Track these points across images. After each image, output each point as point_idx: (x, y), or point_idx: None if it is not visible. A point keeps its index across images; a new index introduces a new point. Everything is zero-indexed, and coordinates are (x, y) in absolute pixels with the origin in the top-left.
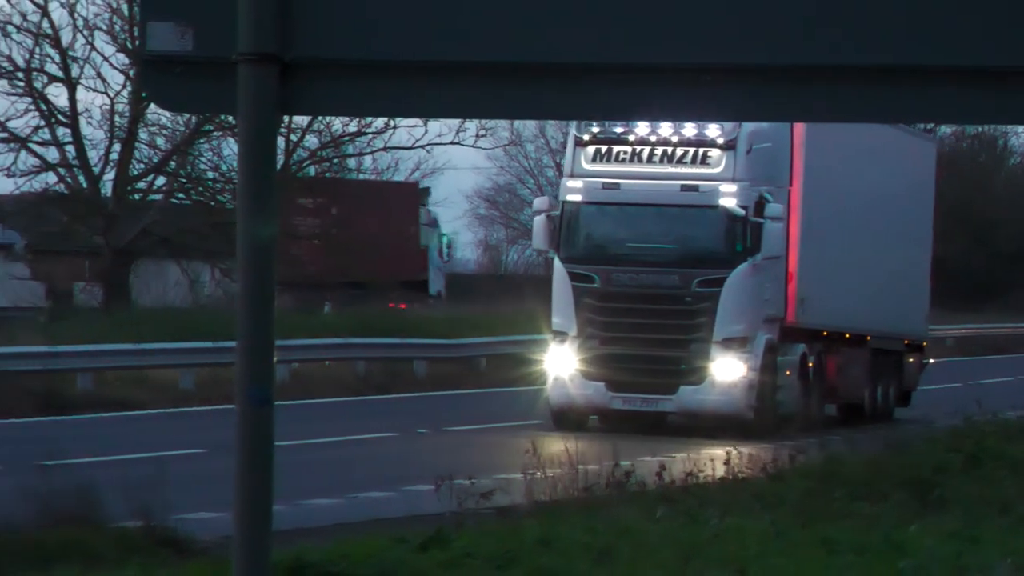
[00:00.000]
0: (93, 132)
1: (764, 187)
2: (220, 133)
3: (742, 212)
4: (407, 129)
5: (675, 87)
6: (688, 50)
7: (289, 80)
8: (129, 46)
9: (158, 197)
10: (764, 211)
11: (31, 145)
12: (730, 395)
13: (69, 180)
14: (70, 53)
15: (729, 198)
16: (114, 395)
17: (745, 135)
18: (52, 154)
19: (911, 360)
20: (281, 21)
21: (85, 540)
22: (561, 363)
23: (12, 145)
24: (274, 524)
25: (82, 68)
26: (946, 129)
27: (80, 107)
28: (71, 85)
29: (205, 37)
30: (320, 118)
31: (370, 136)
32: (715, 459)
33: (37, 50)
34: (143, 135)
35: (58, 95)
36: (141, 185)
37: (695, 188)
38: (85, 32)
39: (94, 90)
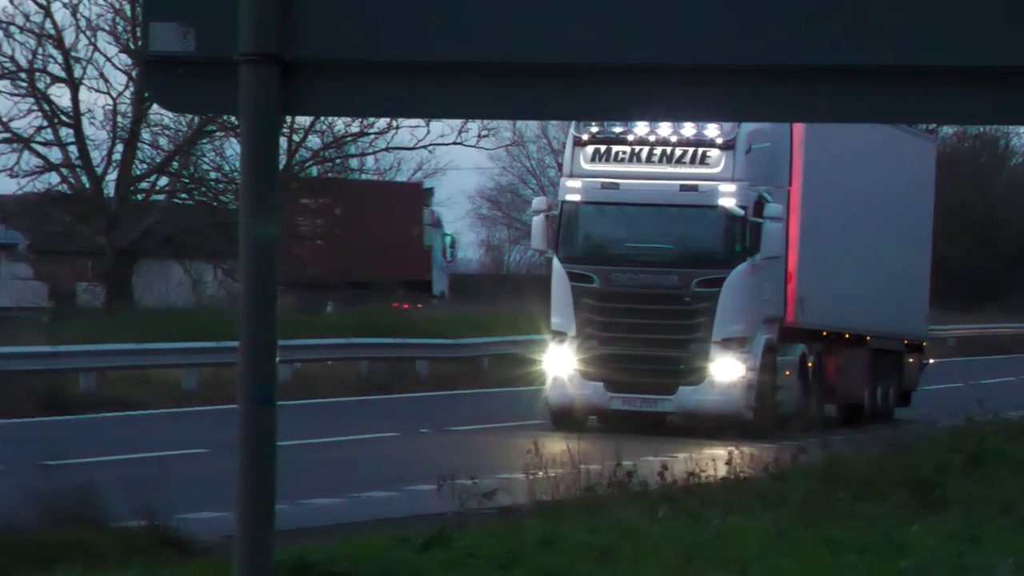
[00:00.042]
0: (96, 132)
1: (763, 187)
2: (222, 133)
3: (741, 212)
4: (409, 129)
5: (678, 87)
6: (691, 50)
7: (291, 80)
8: (131, 46)
9: (161, 197)
10: (763, 211)
11: (34, 145)
12: (729, 395)
13: (72, 180)
14: (73, 54)
15: (728, 198)
16: (116, 395)
17: (744, 135)
18: (55, 154)
19: (911, 360)
20: (283, 21)
21: (87, 540)
22: (560, 363)
23: (15, 145)
24: (276, 524)
25: (85, 69)
26: (948, 129)
27: (83, 107)
28: (74, 85)
29: (207, 37)
30: (322, 118)
31: (372, 136)
32: (717, 459)
33: (40, 51)
34: (146, 135)
35: (61, 95)
36: (144, 185)
37: (694, 188)
38: (88, 33)
39: (97, 90)
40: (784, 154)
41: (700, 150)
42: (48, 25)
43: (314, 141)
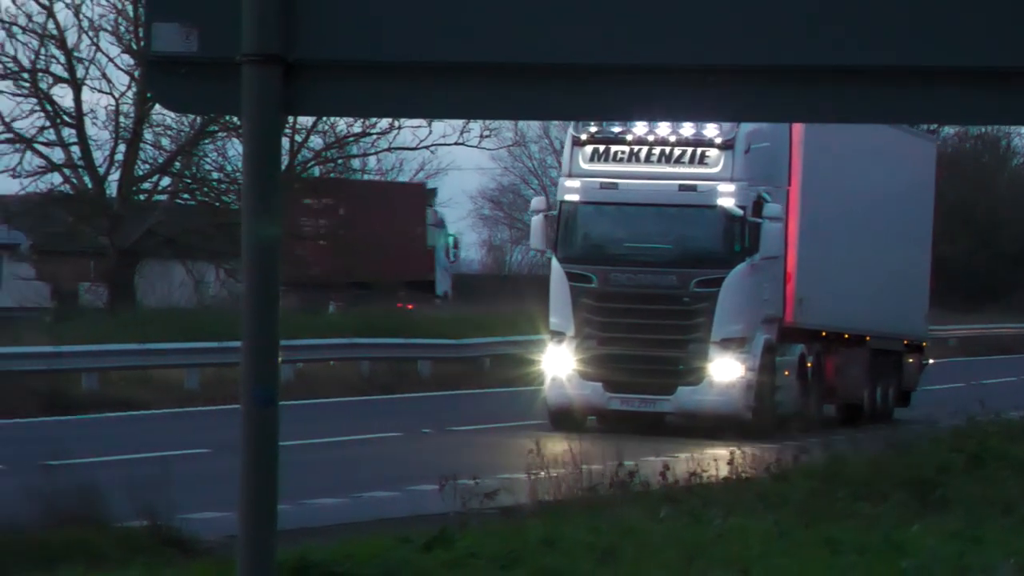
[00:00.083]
0: (98, 133)
1: (762, 187)
2: (225, 134)
3: (740, 212)
4: (411, 130)
5: (680, 87)
6: (693, 50)
7: (293, 81)
8: (134, 47)
9: (163, 198)
10: (762, 211)
11: (36, 146)
12: (728, 395)
13: (74, 181)
14: (75, 54)
15: (727, 198)
16: (119, 395)
17: (743, 135)
18: (57, 155)
19: (911, 360)
20: (285, 22)
21: (90, 540)
22: (559, 363)
23: (17, 146)
24: (279, 523)
25: (87, 69)
26: (949, 129)
27: (85, 108)
28: (76, 86)
29: (210, 38)
30: (324, 119)
31: (374, 137)
32: (719, 459)
33: (42, 51)
34: (148, 136)
35: (63, 96)
36: (146, 186)
37: (693, 188)
38: (90, 33)
39: (99, 91)
40: (783, 154)
41: (699, 150)
42: (51, 25)
43: (316, 141)
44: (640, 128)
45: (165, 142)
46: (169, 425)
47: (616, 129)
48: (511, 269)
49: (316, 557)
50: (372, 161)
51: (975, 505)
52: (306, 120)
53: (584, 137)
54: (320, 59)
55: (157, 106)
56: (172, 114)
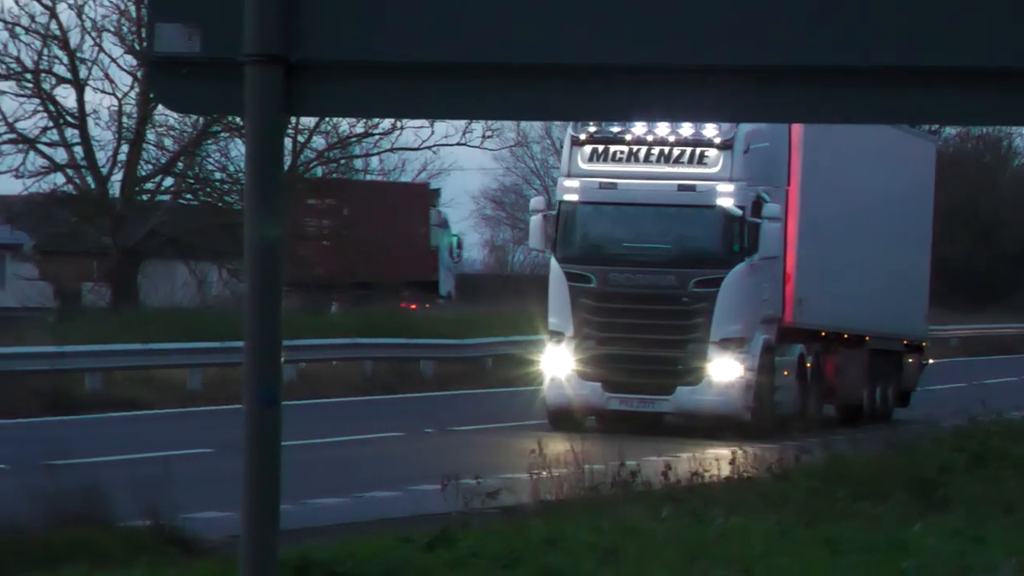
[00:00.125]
0: (101, 133)
1: (761, 187)
2: (227, 134)
3: (739, 212)
4: (414, 130)
5: (681, 87)
6: (694, 51)
7: (295, 81)
8: (137, 47)
9: (166, 198)
10: (761, 211)
11: (39, 146)
12: (727, 396)
13: (77, 181)
14: (78, 54)
15: (726, 198)
16: (122, 395)
17: (742, 135)
18: (60, 155)
19: (910, 360)
20: (287, 22)
21: (93, 539)
22: (558, 363)
23: (21, 146)
24: (281, 523)
25: (90, 69)
26: (951, 130)
27: (88, 108)
28: (79, 86)
29: (212, 38)
30: (327, 119)
31: (377, 137)
32: (720, 459)
33: (45, 51)
34: (151, 136)
35: (66, 96)
36: (149, 186)
37: (692, 188)
38: (93, 34)
39: (102, 91)
40: (782, 154)
41: (698, 150)
42: (53, 26)
43: (319, 142)
44: (639, 128)
45: (168, 142)
46: (172, 425)
47: (615, 129)
48: (513, 269)
49: (318, 556)
50: (374, 161)
51: (977, 505)
52: (309, 120)
53: (583, 137)
54: (322, 60)
55: (160, 106)
56: (175, 114)
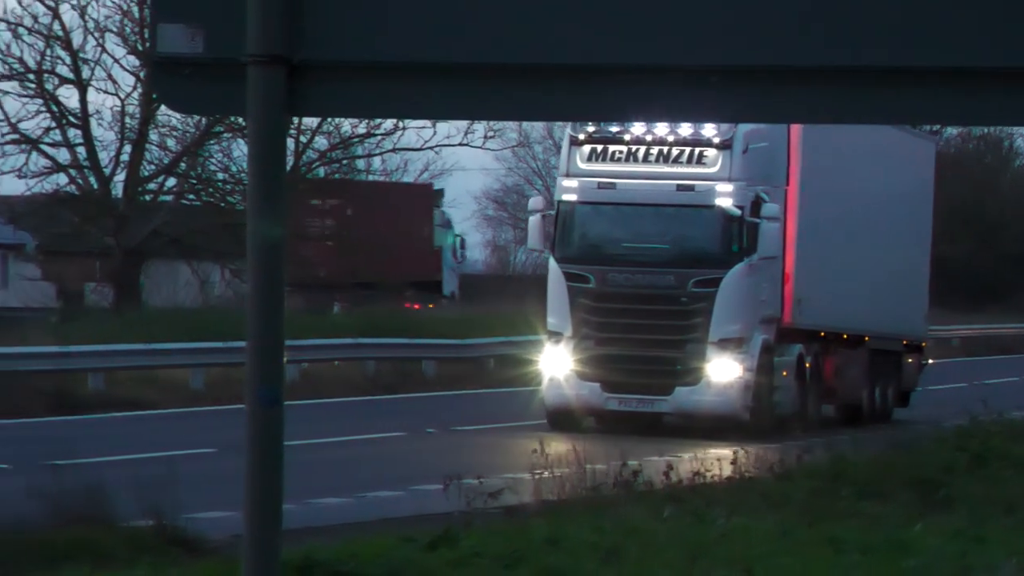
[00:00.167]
0: (104, 134)
1: (760, 187)
2: (230, 134)
3: (738, 212)
4: (416, 130)
5: (683, 88)
6: (696, 51)
7: (298, 82)
8: (139, 48)
9: (168, 198)
10: (760, 211)
11: (42, 147)
12: (726, 396)
13: (80, 181)
14: (81, 55)
15: (725, 198)
16: (125, 395)
17: (741, 135)
18: (63, 155)
19: (910, 360)
20: (290, 23)
21: (96, 539)
22: (556, 364)
23: (23, 147)
24: (284, 523)
25: (93, 70)
26: (952, 130)
27: (91, 109)
28: (82, 87)
29: (215, 39)
30: (329, 120)
31: (379, 137)
32: (722, 459)
33: (48, 52)
34: (153, 136)
35: (69, 97)
36: (151, 186)
37: (691, 188)
38: (96, 34)
39: (105, 92)
40: (781, 154)
41: (697, 150)
42: (56, 27)
43: (321, 142)
44: (638, 128)
45: (170, 143)
46: (175, 425)
47: (614, 129)
48: (515, 269)
49: (321, 556)
50: (377, 162)
51: (978, 505)
52: (311, 121)
53: (582, 137)
54: (324, 60)
55: (162, 107)
56: (177, 115)
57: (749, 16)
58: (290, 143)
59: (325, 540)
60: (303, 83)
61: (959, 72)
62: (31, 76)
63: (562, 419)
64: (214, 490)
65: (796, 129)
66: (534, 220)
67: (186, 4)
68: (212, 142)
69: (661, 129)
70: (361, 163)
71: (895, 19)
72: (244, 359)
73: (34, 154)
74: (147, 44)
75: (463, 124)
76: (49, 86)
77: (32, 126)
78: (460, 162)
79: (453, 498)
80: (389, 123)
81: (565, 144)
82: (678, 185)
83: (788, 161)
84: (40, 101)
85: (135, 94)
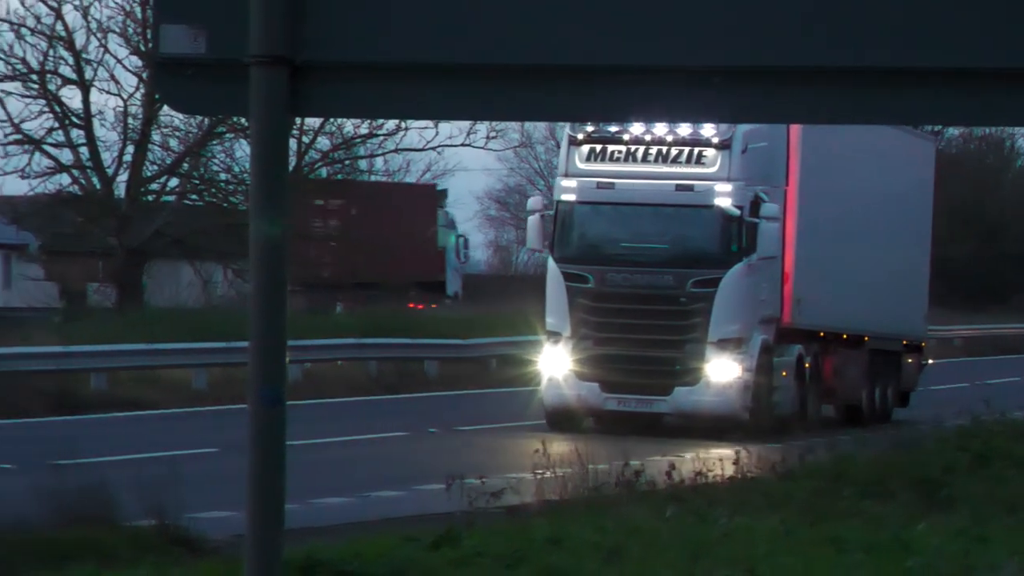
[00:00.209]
0: (107, 134)
1: (760, 187)
2: (232, 135)
3: (737, 212)
4: (418, 131)
5: (685, 88)
6: (698, 52)
7: (300, 82)
8: (142, 48)
9: (171, 198)
10: (760, 211)
11: (45, 147)
12: (725, 396)
13: (83, 182)
14: (84, 55)
15: (724, 198)
16: (127, 395)
17: (740, 134)
18: (66, 156)
19: (910, 361)
20: (292, 23)
21: (99, 539)
22: (555, 364)
23: (26, 147)
24: (286, 523)
25: (96, 70)
26: (953, 130)
27: (94, 109)
28: (85, 87)
29: (217, 40)
30: (331, 120)
31: (381, 138)
32: (724, 459)
33: (51, 52)
34: (156, 137)
35: (72, 97)
36: (154, 186)
37: (690, 188)
38: (99, 35)
39: (107, 92)
40: (781, 154)
41: (696, 150)
42: (59, 27)
43: (323, 143)
44: (637, 128)
45: (173, 143)
46: (177, 425)
47: (613, 129)
48: (517, 270)
49: (323, 556)
50: (379, 162)
51: (980, 504)
52: (313, 121)
53: (581, 136)
54: (327, 61)
55: (165, 107)
56: (180, 115)
57: (751, 17)
58: (292, 143)
59: (327, 540)
60: (305, 84)
61: (961, 73)
62: (34, 77)
63: (561, 419)
64: (216, 490)
65: (795, 129)
66: (533, 220)
67: (189, 5)
68: (215, 142)
69: (660, 129)
70: (363, 163)
71: (897, 20)
72: (246, 359)
73: (37, 154)
74: (150, 45)
75: (465, 124)
76: (52, 87)
77: (35, 127)
78: (462, 162)
79: (455, 498)
80: (391, 124)
81: (564, 144)
82: (677, 185)
83: (787, 161)
84: (43, 102)
85: (138, 95)
